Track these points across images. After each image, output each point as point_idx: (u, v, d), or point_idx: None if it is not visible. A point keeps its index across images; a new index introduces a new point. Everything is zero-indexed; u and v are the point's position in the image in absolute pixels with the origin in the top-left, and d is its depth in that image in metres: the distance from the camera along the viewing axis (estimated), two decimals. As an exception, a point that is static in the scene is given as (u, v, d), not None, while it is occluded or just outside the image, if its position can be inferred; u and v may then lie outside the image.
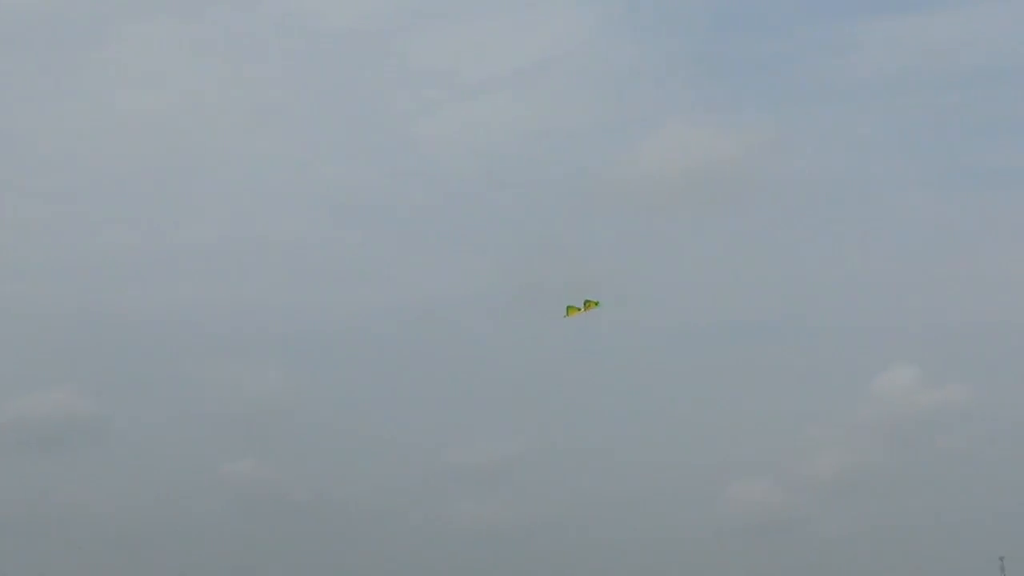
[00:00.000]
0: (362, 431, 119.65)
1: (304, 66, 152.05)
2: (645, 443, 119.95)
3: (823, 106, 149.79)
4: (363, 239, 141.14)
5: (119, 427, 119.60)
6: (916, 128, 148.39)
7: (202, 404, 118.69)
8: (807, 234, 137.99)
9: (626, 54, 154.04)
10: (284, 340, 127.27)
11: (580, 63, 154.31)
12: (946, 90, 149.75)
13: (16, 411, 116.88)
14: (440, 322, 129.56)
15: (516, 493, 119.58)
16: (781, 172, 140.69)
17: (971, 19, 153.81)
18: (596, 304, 79.49)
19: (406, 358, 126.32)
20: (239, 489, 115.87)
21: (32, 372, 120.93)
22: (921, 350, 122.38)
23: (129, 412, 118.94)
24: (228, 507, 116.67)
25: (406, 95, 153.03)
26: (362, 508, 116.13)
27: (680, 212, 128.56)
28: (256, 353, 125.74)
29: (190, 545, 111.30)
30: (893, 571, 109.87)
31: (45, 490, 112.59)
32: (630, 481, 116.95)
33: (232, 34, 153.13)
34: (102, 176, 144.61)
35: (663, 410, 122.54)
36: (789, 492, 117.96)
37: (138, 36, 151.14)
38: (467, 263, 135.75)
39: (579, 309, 79.39)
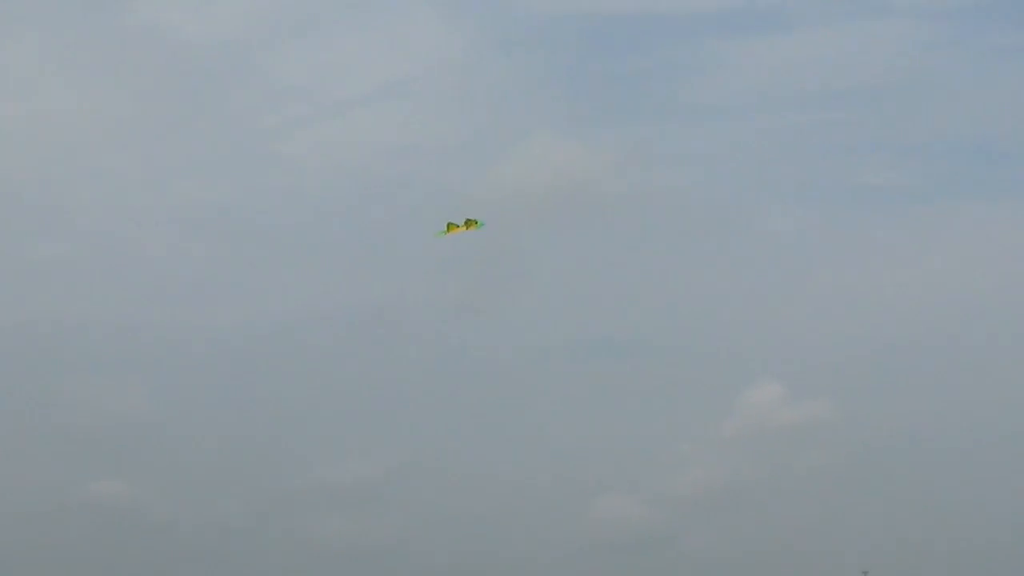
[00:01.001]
0: (226, 449, 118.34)
1: (164, 80, 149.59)
2: (511, 461, 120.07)
3: (684, 124, 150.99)
4: (225, 255, 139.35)
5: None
6: (775, 146, 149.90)
7: (59, 422, 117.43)
8: (670, 250, 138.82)
9: (493, 72, 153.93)
10: (146, 356, 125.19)
11: (446, 80, 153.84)
12: (804, 109, 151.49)
13: None
14: (305, 339, 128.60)
15: (383, 511, 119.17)
16: (642, 189, 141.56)
17: (828, 39, 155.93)
18: (477, 224, 77.38)
19: (271, 375, 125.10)
20: (100, 509, 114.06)
21: None
22: (784, 366, 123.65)
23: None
24: (89, 527, 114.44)
25: (269, 111, 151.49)
26: (227, 526, 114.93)
27: (542, 228, 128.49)
28: (117, 369, 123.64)
29: (47, 567, 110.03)
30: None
31: None
32: (496, 499, 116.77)
33: (91, 46, 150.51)
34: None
35: (528, 428, 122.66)
36: (655, 509, 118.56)
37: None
38: (330, 279, 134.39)
39: (458, 227, 77.12)
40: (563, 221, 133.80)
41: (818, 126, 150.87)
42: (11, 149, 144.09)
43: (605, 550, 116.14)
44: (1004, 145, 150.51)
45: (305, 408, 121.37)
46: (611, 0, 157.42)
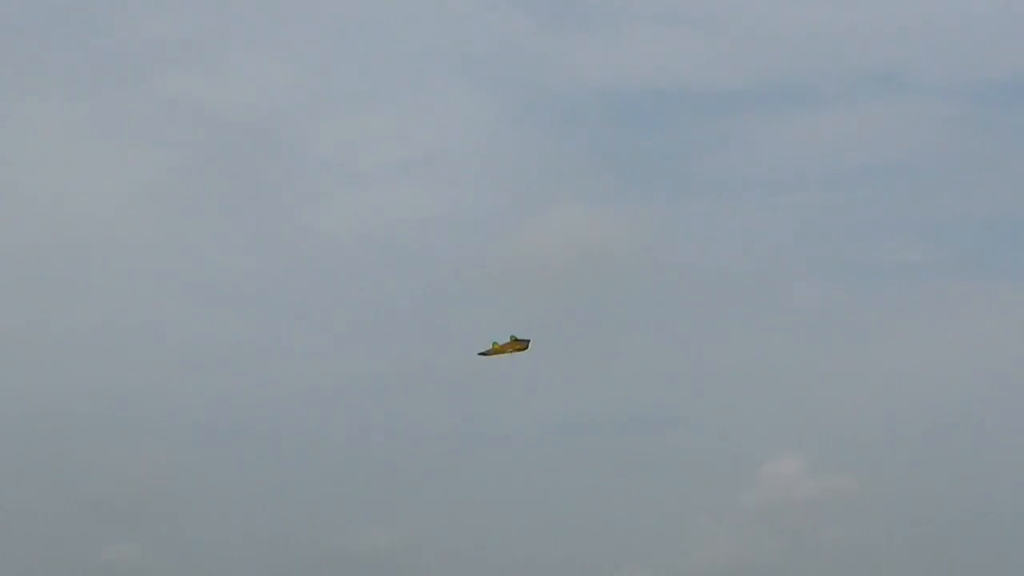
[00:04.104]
0: (241, 516, 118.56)
1: (190, 150, 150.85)
2: (528, 534, 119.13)
3: (710, 198, 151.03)
4: (250, 325, 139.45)
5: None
6: (799, 223, 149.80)
7: (74, 486, 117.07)
8: (691, 324, 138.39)
9: (519, 144, 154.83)
10: (164, 422, 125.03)
11: (474, 152, 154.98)
12: (833, 186, 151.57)
13: None
14: (323, 408, 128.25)
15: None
16: (664, 262, 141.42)
17: (854, 116, 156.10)
18: (524, 346, 76.00)
19: (289, 443, 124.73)
20: (113, 574, 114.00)
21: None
22: (806, 440, 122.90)
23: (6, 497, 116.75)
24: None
25: (297, 182, 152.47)
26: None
27: (563, 296, 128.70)
28: (134, 435, 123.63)
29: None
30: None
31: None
32: (511, 573, 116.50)
33: (121, 116, 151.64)
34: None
35: (545, 502, 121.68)
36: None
37: (25, 115, 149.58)
38: (353, 348, 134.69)
39: (504, 345, 75.87)
40: (583, 291, 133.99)
41: (843, 203, 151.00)
42: (36, 220, 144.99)
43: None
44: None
45: (321, 477, 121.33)
46: (636, 75, 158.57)
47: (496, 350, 78.11)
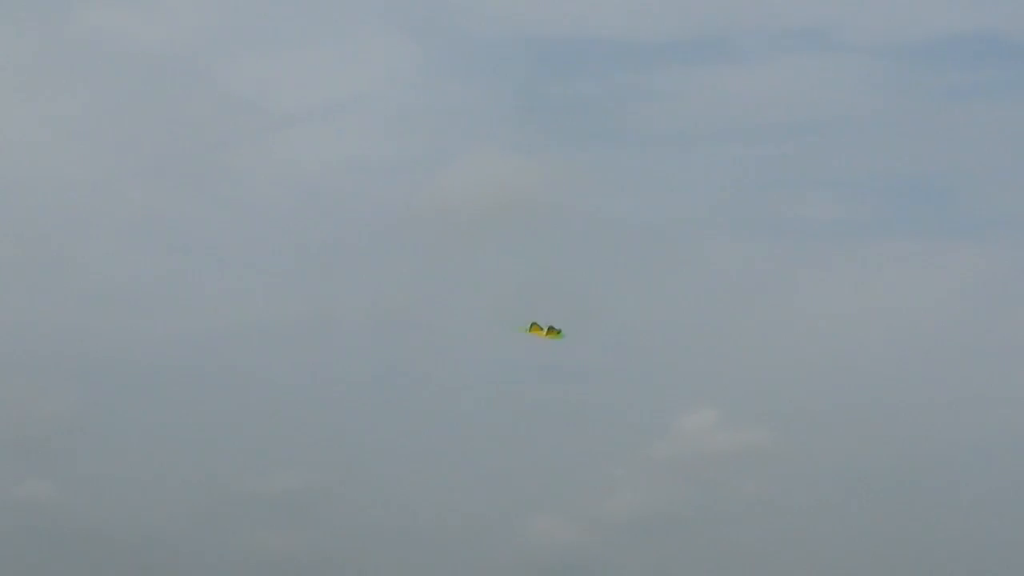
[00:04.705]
0: (157, 457, 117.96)
1: (110, 86, 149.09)
2: (444, 479, 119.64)
3: (633, 151, 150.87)
4: (168, 265, 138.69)
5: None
6: (724, 178, 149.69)
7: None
8: (610, 275, 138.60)
9: (442, 91, 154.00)
10: (80, 361, 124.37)
11: (398, 97, 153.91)
12: (756, 142, 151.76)
13: None
14: (241, 349, 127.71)
15: (313, 525, 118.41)
16: (587, 212, 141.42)
17: (778, 73, 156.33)
18: (559, 334, 77.55)
19: (205, 384, 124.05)
20: (25, 511, 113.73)
21: None
22: (721, 394, 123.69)
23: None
24: (13, 529, 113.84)
25: (218, 122, 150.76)
26: (154, 535, 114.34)
27: (482, 244, 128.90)
28: (49, 372, 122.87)
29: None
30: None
31: None
32: (428, 517, 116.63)
33: (36, 52, 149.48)
34: None
35: (461, 448, 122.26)
36: (587, 532, 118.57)
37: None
38: (269, 292, 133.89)
39: (540, 330, 77.26)
40: (501, 240, 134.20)
41: (765, 159, 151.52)
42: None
43: (535, 571, 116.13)
44: (949, 185, 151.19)
45: (238, 418, 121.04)
46: (562, 25, 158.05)
47: (533, 330, 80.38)
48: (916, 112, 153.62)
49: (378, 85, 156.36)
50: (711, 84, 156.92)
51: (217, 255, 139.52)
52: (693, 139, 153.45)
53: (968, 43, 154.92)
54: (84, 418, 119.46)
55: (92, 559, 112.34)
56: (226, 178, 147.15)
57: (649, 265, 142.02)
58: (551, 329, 79.50)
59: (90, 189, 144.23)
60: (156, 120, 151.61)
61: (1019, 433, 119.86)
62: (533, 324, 78.95)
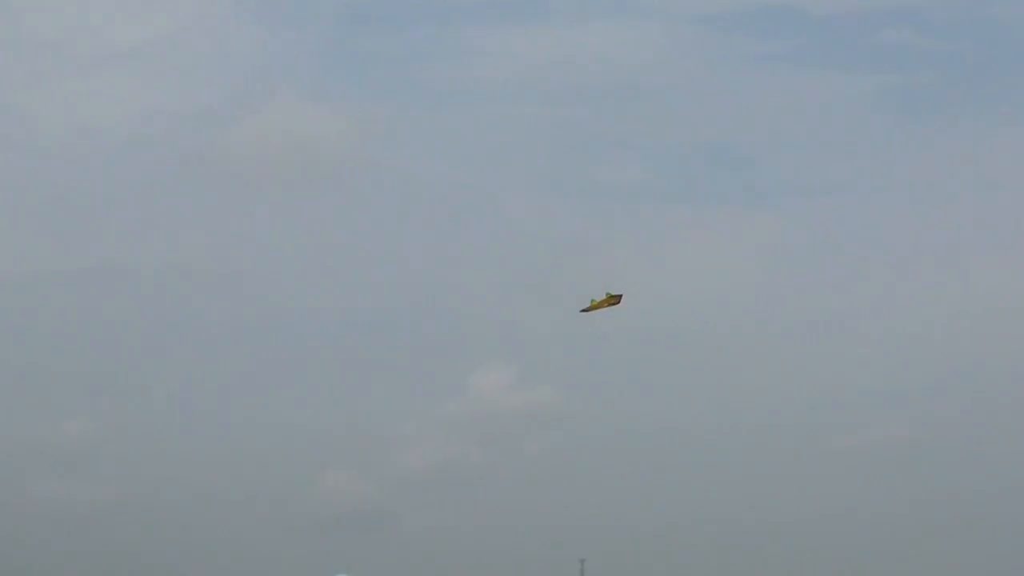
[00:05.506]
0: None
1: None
2: (232, 434, 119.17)
3: (435, 106, 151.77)
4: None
5: None
6: (520, 136, 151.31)
7: None
8: (405, 228, 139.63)
9: (248, 37, 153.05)
10: None
11: (202, 43, 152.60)
12: (557, 102, 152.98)
13: None
14: (28, 294, 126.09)
15: (98, 472, 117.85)
16: (388, 164, 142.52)
17: (583, 36, 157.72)
18: (617, 300, 78.54)
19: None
20: None
21: None
22: (514, 353, 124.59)
23: None
24: None
25: (14, 64, 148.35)
26: None
27: (283, 192, 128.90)
28: None
29: None
30: (475, 569, 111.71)
31: None
32: (220, 470, 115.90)
33: None
34: None
35: (252, 402, 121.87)
36: (380, 486, 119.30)
37: None
38: (62, 235, 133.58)
39: (600, 301, 78.68)
40: (302, 188, 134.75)
41: (566, 119, 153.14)
42: None
43: (327, 523, 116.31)
44: (747, 151, 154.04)
45: (22, 366, 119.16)
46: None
47: (594, 306, 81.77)
48: (718, 81, 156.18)
49: (182, 30, 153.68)
50: (516, 43, 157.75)
51: (10, 203, 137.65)
52: (496, 97, 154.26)
53: (770, 13, 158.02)
54: None
55: None
56: (23, 124, 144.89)
57: (445, 221, 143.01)
58: (609, 296, 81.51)
59: None
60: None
61: (814, 391, 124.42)
62: (592, 301, 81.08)
